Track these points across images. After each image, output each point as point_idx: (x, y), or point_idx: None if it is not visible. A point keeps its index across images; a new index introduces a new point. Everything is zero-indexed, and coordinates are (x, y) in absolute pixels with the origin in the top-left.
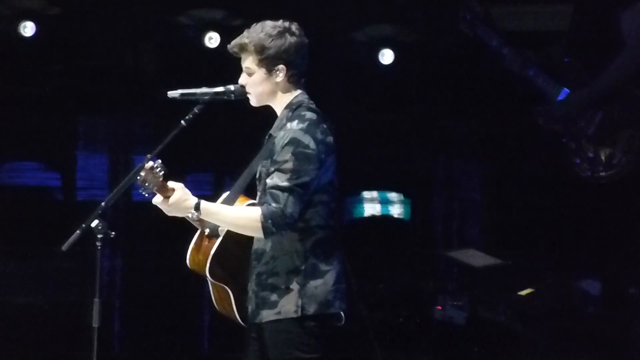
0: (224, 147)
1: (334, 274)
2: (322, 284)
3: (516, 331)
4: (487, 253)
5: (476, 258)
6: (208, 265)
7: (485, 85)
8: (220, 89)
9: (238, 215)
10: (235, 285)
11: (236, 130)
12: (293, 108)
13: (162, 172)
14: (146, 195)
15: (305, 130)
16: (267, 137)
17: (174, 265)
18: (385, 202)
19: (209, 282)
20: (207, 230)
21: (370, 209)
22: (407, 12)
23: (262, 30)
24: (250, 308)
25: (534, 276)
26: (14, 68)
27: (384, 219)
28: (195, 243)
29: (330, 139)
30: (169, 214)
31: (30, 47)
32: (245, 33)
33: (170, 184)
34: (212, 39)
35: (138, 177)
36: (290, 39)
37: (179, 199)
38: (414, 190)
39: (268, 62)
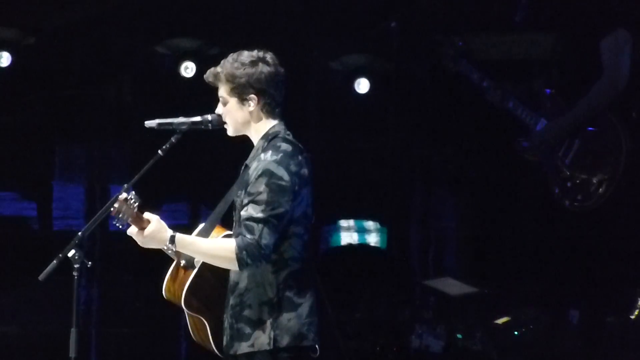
0: (199, 177)
1: (307, 306)
2: (295, 316)
3: (492, 359)
4: (464, 282)
5: (453, 287)
6: (183, 296)
7: (462, 114)
8: (198, 118)
9: (213, 247)
10: (211, 315)
11: (212, 160)
12: (269, 138)
13: (137, 204)
14: (120, 226)
15: (279, 162)
16: (243, 167)
17: (150, 295)
18: (361, 230)
19: (185, 312)
20: (182, 262)
21: (347, 237)
22: (382, 42)
23: (236, 60)
24: (225, 339)
25: (511, 305)
26: None
27: (361, 248)
28: (170, 274)
29: (304, 171)
30: (144, 246)
31: (6, 76)
32: (221, 62)
33: (146, 215)
34: (188, 68)
35: (112, 209)
36: (263, 68)
37: (153, 231)
38: (391, 219)
39: (239, 91)
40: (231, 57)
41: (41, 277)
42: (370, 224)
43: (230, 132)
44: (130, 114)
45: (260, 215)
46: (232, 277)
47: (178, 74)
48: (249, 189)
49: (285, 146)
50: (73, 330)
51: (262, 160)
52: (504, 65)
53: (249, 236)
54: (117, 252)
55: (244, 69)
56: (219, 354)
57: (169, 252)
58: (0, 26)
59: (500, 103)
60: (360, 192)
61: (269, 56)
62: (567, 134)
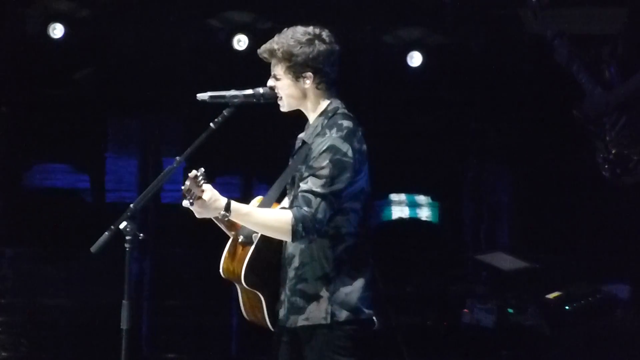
0: (251, 150)
1: (364, 281)
2: (352, 291)
3: (544, 334)
4: (516, 256)
5: (505, 261)
6: (243, 273)
7: (515, 88)
8: (250, 91)
9: (268, 217)
10: (267, 290)
11: (263, 133)
12: (329, 115)
13: (204, 182)
14: (188, 203)
15: (344, 138)
16: (299, 143)
17: (202, 267)
18: (413, 205)
19: (239, 289)
20: (240, 238)
21: (398, 211)
22: (436, 15)
23: (292, 37)
24: (282, 312)
25: (562, 280)
26: (43, 70)
27: (412, 222)
28: (228, 251)
29: (364, 147)
30: (199, 216)
31: (59, 49)
32: (275, 38)
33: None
34: (240, 42)
35: (183, 187)
36: (320, 47)
37: (209, 199)
38: (443, 193)
39: (295, 69)
40: (286, 34)
41: (93, 249)
42: (421, 198)
43: (284, 107)
44: (183, 87)
45: (319, 189)
46: (289, 250)
47: (231, 47)
48: (311, 162)
49: (347, 123)
50: (125, 303)
51: (327, 137)
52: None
53: (305, 208)
54: (169, 225)
55: (301, 47)
56: (271, 329)
57: (222, 224)
58: None
59: (566, 63)
60: (412, 166)
61: (324, 33)
62: (616, 107)
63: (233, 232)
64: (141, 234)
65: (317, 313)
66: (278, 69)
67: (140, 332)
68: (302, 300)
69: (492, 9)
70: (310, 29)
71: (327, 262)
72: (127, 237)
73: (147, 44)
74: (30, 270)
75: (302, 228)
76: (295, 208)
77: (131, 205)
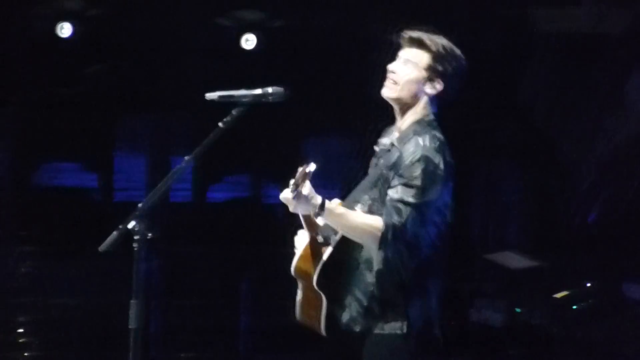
0: (260, 150)
1: (437, 295)
2: (427, 304)
3: (552, 334)
4: (524, 255)
5: (513, 260)
6: (317, 274)
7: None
8: (259, 91)
9: (360, 221)
10: (330, 294)
11: (272, 133)
12: (424, 125)
13: (309, 173)
14: (291, 195)
15: (437, 150)
16: (387, 147)
17: (211, 267)
18: None
19: (301, 288)
20: (319, 238)
21: None
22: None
23: (446, 44)
24: (346, 316)
25: (570, 279)
26: (52, 69)
27: None
28: (304, 250)
29: (453, 160)
30: (292, 209)
31: (67, 48)
32: (424, 33)
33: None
34: (249, 41)
35: (292, 180)
36: (460, 66)
37: (309, 194)
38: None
39: (435, 72)
40: (441, 39)
41: (101, 248)
42: None
43: (393, 94)
44: (192, 86)
45: (411, 200)
46: (367, 255)
47: (239, 46)
48: (402, 171)
49: (440, 136)
50: (133, 302)
51: (420, 146)
52: (570, 38)
53: (396, 217)
54: (178, 224)
55: (452, 60)
56: (323, 333)
57: (305, 221)
58: None
59: None
60: None
61: (464, 60)
62: None
63: (312, 232)
64: (150, 234)
65: (394, 323)
66: (418, 59)
67: (148, 332)
68: (378, 307)
69: None
70: (457, 48)
71: (404, 271)
72: (136, 237)
73: (156, 42)
74: (39, 269)
75: (392, 236)
76: (387, 216)
77: (140, 205)
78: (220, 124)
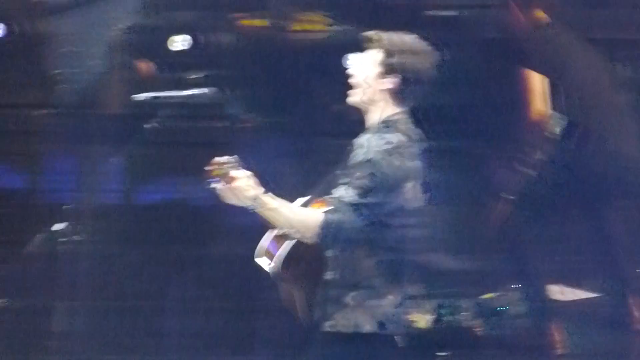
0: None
1: (394, 298)
2: (381, 305)
3: (479, 335)
4: (450, 257)
5: (439, 262)
6: (278, 268)
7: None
8: (190, 92)
9: (297, 217)
10: (302, 287)
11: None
12: (386, 125)
13: (232, 166)
14: (211, 186)
15: (386, 153)
16: (351, 148)
17: (138, 269)
18: None
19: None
20: (279, 231)
21: None
22: None
23: (402, 39)
24: (317, 315)
25: (496, 281)
26: None
27: None
28: (266, 244)
29: (413, 164)
30: (227, 201)
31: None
32: (383, 32)
33: (234, 172)
34: (182, 42)
35: (206, 169)
36: (422, 63)
37: (241, 187)
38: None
39: (388, 66)
40: (399, 34)
41: (29, 249)
42: None
43: (355, 98)
44: (123, 87)
45: (352, 199)
46: (327, 253)
47: (169, 48)
48: (349, 170)
49: (398, 138)
50: (59, 304)
51: (371, 147)
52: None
53: (336, 215)
54: (106, 225)
55: (406, 53)
56: (304, 325)
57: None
58: None
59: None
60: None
61: (429, 53)
62: None
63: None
64: (77, 235)
65: (343, 321)
66: (372, 56)
67: (75, 334)
68: (331, 306)
69: None
70: (425, 43)
71: (359, 271)
72: (64, 239)
73: (89, 43)
74: None
75: (329, 233)
76: (327, 214)
77: (68, 207)
78: (151, 125)
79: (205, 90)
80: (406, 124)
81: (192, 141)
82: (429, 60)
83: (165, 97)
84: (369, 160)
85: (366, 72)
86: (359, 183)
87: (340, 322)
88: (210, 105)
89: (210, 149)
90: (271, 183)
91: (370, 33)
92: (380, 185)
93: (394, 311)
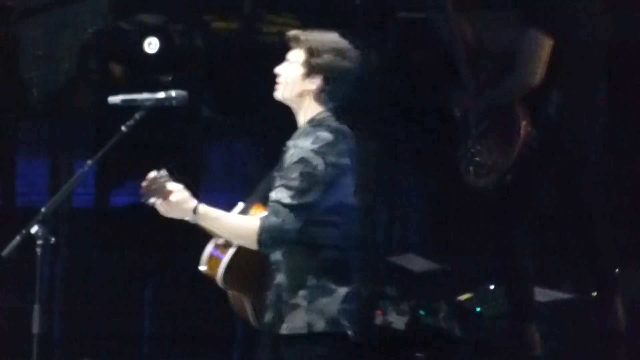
0: (165, 155)
1: (344, 293)
2: (330, 302)
3: (456, 336)
4: (427, 258)
5: (416, 263)
6: (221, 275)
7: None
8: (162, 94)
9: (236, 224)
10: (251, 293)
11: (178, 138)
12: (314, 124)
13: (165, 180)
14: (149, 202)
15: (316, 152)
16: (284, 149)
17: (113, 272)
18: None
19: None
20: (220, 239)
21: None
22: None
23: (323, 38)
24: (267, 317)
25: (473, 282)
26: None
27: None
28: (209, 251)
29: (345, 160)
30: (166, 215)
31: None
32: (307, 31)
33: (170, 185)
34: (151, 44)
35: (141, 186)
36: (343, 62)
37: (178, 200)
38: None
39: (311, 67)
40: (320, 33)
41: (4, 253)
42: None
43: (280, 95)
44: (95, 90)
45: (288, 201)
46: (272, 257)
47: (142, 50)
48: (283, 172)
49: (326, 135)
50: (36, 307)
51: (300, 147)
52: None
53: (273, 218)
54: (81, 229)
55: (327, 53)
56: (258, 328)
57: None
58: None
59: (448, 43)
60: None
61: (354, 53)
62: (483, 109)
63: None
64: (53, 238)
65: (296, 322)
66: (296, 56)
67: (51, 337)
68: (283, 308)
69: None
70: (346, 42)
71: (306, 272)
72: (39, 242)
73: (58, 46)
74: None
75: (268, 238)
76: (264, 218)
77: (42, 209)
78: (123, 128)
79: (176, 92)
80: (333, 121)
81: (166, 143)
82: (353, 59)
83: (137, 100)
84: (300, 160)
85: (292, 72)
86: (293, 184)
87: (293, 323)
88: (182, 108)
89: (182, 151)
90: (201, 194)
91: (293, 32)
92: (314, 184)
93: (343, 307)
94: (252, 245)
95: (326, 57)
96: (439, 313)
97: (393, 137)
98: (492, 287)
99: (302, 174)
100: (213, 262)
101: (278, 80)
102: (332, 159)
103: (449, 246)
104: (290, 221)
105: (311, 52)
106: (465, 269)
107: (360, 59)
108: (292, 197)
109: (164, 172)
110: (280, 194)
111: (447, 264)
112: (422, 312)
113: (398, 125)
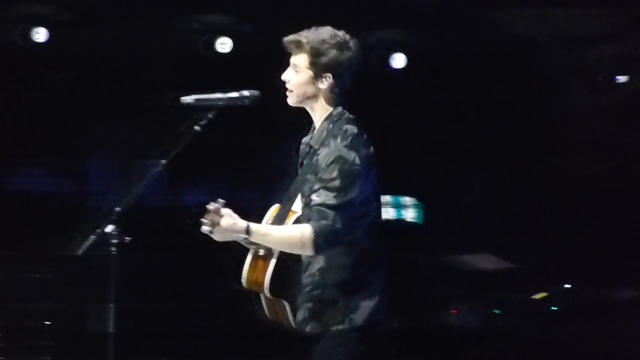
0: (237, 154)
1: (381, 283)
2: (370, 293)
3: (530, 335)
4: (501, 257)
5: (490, 262)
6: (267, 285)
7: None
8: (234, 94)
9: (288, 234)
10: (290, 296)
11: (248, 137)
12: (334, 120)
13: (222, 210)
14: (208, 231)
15: (350, 147)
16: (306, 147)
17: (186, 271)
18: (398, 206)
19: (263, 297)
20: (261, 251)
21: (384, 213)
22: (418, 16)
23: (322, 36)
24: (299, 316)
25: (548, 280)
26: (24, 74)
27: (397, 224)
28: (250, 264)
29: (371, 150)
30: (220, 240)
31: (41, 52)
32: (303, 32)
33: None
34: (224, 44)
35: (203, 220)
36: (346, 54)
37: (229, 225)
38: (428, 194)
39: (318, 67)
40: (317, 32)
41: (79, 252)
42: (407, 200)
43: (292, 101)
44: (167, 90)
45: (333, 201)
46: (305, 258)
47: (214, 50)
48: (320, 174)
49: (351, 128)
50: (110, 306)
51: (332, 147)
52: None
53: (323, 222)
54: (153, 228)
55: (331, 50)
56: (296, 331)
57: (244, 242)
58: (37, 1)
59: None
60: (397, 167)
61: (352, 42)
62: None
63: (254, 246)
64: (127, 238)
65: (336, 318)
66: (300, 61)
67: (124, 336)
68: (321, 306)
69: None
70: (341, 33)
71: (344, 268)
72: (113, 241)
73: (130, 46)
74: (14, 275)
75: (324, 241)
76: (313, 222)
77: (116, 209)
78: (195, 127)
79: (249, 92)
80: (348, 114)
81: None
82: (352, 48)
83: (210, 99)
84: (336, 160)
85: (299, 76)
86: (334, 184)
87: (333, 319)
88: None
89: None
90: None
91: (292, 37)
92: (354, 180)
93: (381, 296)
94: (308, 252)
95: (331, 54)
96: (514, 312)
97: (467, 134)
98: (567, 285)
99: (341, 172)
100: (255, 275)
101: (286, 86)
102: (364, 150)
103: (524, 245)
104: (340, 221)
105: (315, 53)
106: (540, 268)
107: (357, 45)
108: (336, 197)
109: (221, 203)
110: (323, 197)
111: (522, 263)
112: (496, 312)
113: (472, 123)
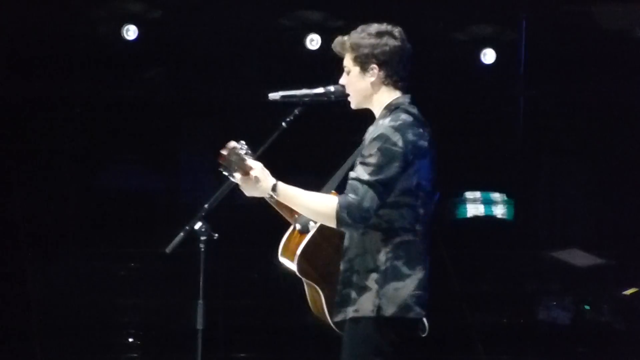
0: (325, 149)
1: (416, 279)
2: (403, 287)
3: (621, 331)
4: (591, 252)
5: (580, 258)
6: (296, 260)
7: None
8: (321, 90)
9: (315, 200)
10: (327, 284)
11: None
12: (391, 109)
13: (245, 152)
14: (228, 175)
15: (396, 128)
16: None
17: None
18: (488, 202)
19: (304, 283)
20: (298, 226)
21: (473, 209)
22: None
23: (362, 30)
24: (333, 305)
25: (639, 276)
26: (116, 72)
27: (487, 220)
28: (287, 238)
29: (422, 143)
30: (248, 194)
31: (133, 50)
32: (349, 34)
33: (249, 162)
34: (313, 41)
35: (220, 157)
36: (388, 41)
37: (257, 177)
38: (518, 190)
39: (362, 60)
40: (359, 28)
41: (168, 249)
42: (496, 196)
43: (353, 104)
44: (256, 87)
45: (367, 177)
46: (345, 243)
47: (303, 47)
48: (363, 151)
49: (405, 116)
50: (200, 303)
51: (379, 125)
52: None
53: (352, 196)
54: (243, 225)
55: (369, 39)
56: (333, 326)
57: (281, 209)
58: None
59: None
60: (487, 163)
61: (396, 30)
62: None
63: (292, 220)
64: (216, 234)
65: (366, 305)
66: (347, 60)
67: (214, 332)
68: (353, 292)
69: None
70: (383, 25)
71: (378, 255)
72: (202, 238)
73: (220, 44)
74: (105, 271)
75: (347, 215)
76: (343, 195)
77: (205, 206)
78: (283, 123)
79: (334, 87)
80: (411, 107)
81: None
82: (396, 37)
83: (296, 95)
84: (379, 137)
85: (351, 76)
86: (371, 160)
87: (363, 306)
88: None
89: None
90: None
91: (335, 41)
92: (392, 159)
93: (415, 293)
94: (331, 222)
95: (370, 43)
96: (604, 308)
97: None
98: None
99: (380, 150)
100: (291, 245)
101: (347, 91)
102: (411, 137)
103: (615, 239)
104: (369, 198)
105: (356, 47)
106: (631, 263)
107: (401, 34)
108: (371, 174)
109: (243, 144)
110: (359, 171)
111: (612, 258)
112: (587, 307)
113: (562, 118)
